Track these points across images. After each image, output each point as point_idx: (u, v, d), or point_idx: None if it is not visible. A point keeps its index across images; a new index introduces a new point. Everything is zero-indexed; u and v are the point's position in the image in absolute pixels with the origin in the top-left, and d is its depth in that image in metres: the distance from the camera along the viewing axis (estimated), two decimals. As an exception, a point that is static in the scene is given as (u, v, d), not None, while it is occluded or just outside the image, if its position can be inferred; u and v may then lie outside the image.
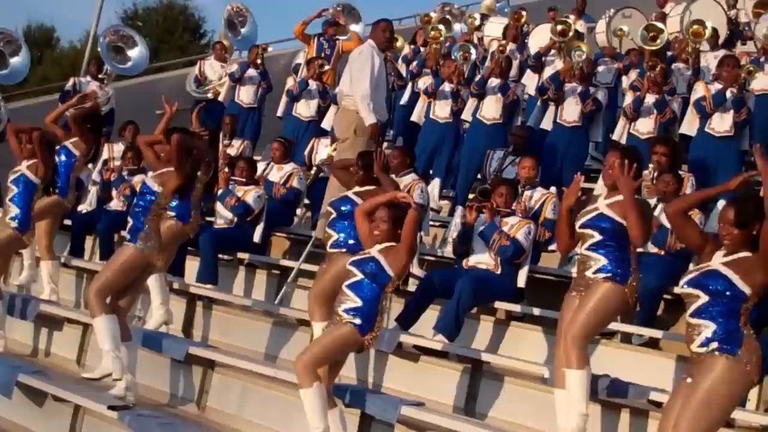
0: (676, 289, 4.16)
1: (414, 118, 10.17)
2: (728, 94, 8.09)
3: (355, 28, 12.64)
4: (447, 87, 9.60)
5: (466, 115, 9.55)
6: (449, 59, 9.98)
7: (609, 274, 4.88)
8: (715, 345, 3.99)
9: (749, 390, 4.41)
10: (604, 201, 5.04)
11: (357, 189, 6.31)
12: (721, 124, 8.11)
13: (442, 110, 9.56)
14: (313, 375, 4.95)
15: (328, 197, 7.15)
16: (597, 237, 4.95)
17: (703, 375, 3.97)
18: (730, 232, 4.11)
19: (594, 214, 5.00)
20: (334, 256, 6.19)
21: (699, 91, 8.41)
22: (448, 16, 12.53)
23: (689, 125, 8.52)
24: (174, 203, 6.41)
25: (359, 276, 5.07)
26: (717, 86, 8.28)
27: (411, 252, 5.17)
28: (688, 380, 4.06)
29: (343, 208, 6.25)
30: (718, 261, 4.13)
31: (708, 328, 4.01)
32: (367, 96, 7.32)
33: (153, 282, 6.86)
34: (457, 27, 12.48)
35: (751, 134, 8.31)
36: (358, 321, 5.01)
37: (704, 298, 4.04)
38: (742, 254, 4.10)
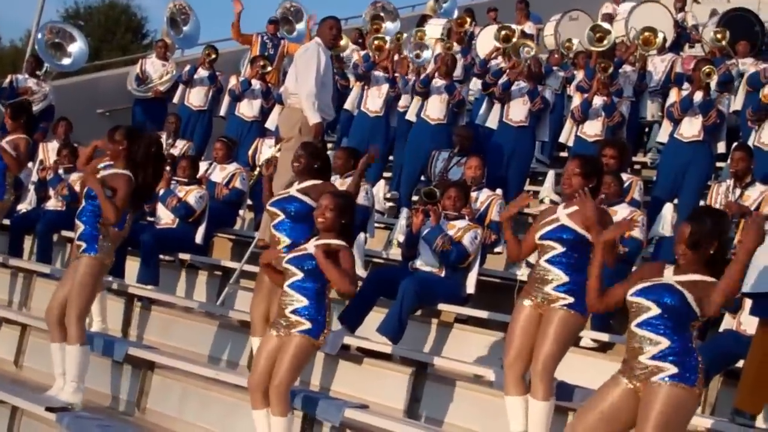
0: (628, 297, 4.08)
1: (347, 105, 10.21)
2: (696, 98, 8.16)
3: (301, 27, 12.67)
4: (380, 74, 9.63)
5: (411, 115, 9.63)
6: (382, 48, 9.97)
7: (569, 302, 4.78)
8: (669, 370, 3.90)
9: None
10: (564, 210, 4.97)
11: (300, 185, 6.00)
12: (690, 129, 8.20)
13: (373, 103, 9.60)
14: (288, 403, 4.95)
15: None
16: (558, 249, 4.88)
17: (661, 402, 3.87)
18: (685, 252, 4.01)
19: (555, 226, 4.93)
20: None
21: (672, 96, 8.51)
22: (381, 13, 12.53)
23: (664, 133, 8.59)
24: None
25: (299, 274, 5.02)
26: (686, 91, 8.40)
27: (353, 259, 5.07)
28: (628, 385, 3.99)
29: (290, 208, 5.94)
30: (670, 276, 4.05)
31: (659, 343, 3.94)
32: (313, 94, 7.26)
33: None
34: (390, 25, 12.51)
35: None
36: (308, 325, 4.95)
37: (656, 311, 3.97)
38: (697, 277, 3.99)
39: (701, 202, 8.18)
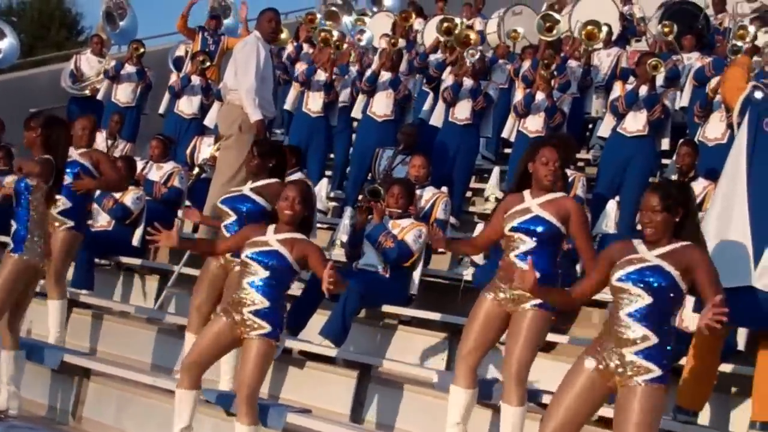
0: (615, 282, 4.00)
1: (287, 106, 10.22)
2: (642, 92, 8.23)
3: (228, 22, 12.65)
4: (321, 76, 9.67)
5: (356, 112, 9.66)
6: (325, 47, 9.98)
7: (538, 301, 4.69)
8: (653, 372, 3.91)
9: None
10: (534, 200, 4.84)
11: (253, 184, 5.95)
12: (634, 123, 8.23)
13: (314, 103, 9.62)
14: (256, 410, 4.92)
15: (212, 200, 7.04)
16: (529, 243, 4.77)
17: (643, 405, 3.89)
18: (652, 219, 3.97)
19: (527, 217, 4.81)
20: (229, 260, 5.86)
21: (616, 90, 8.52)
22: (333, 8, 12.56)
23: (606, 128, 8.62)
24: (68, 207, 6.36)
25: (263, 272, 4.89)
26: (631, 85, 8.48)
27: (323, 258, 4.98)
28: (599, 366, 3.99)
29: (242, 208, 5.86)
30: (652, 255, 3.97)
31: (648, 339, 3.92)
32: (253, 90, 7.16)
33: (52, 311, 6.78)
34: (346, 19, 12.55)
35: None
36: (267, 329, 4.88)
37: (646, 299, 3.92)
38: (674, 245, 3.97)
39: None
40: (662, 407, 4.00)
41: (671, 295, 3.95)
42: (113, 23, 12.60)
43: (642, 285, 3.94)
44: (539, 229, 4.76)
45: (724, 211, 4.85)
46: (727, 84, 5.33)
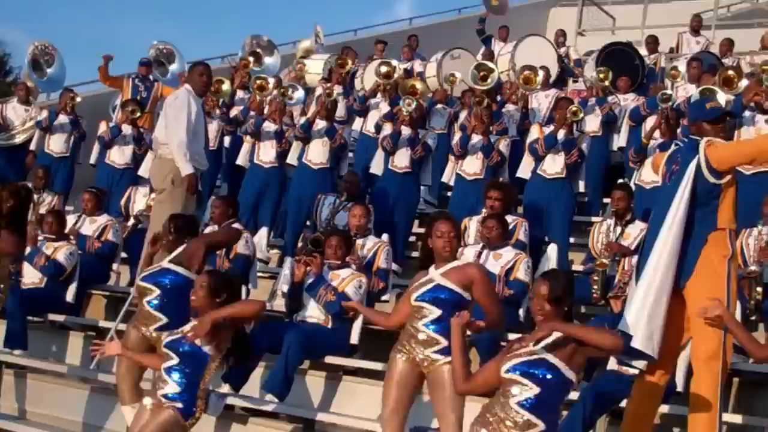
0: (503, 374, 4.25)
1: (240, 161, 10.39)
2: (560, 136, 8.69)
3: (173, 68, 12.80)
4: (271, 127, 9.87)
5: (291, 159, 9.81)
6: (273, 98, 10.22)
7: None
8: None
9: None
10: (437, 270, 5.11)
11: (171, 256, 6.01)
12: (553, 166, 8.68)
13: (266, 154, 9.80)
14: None
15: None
16: (435, 312, 5.02)
17: None
18: (542, 307, 4.26)
19: (430, 286, 5.07)
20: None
21: (534, 133, 9.01)
22: (258, 49, 12.76)
23: (526, 169, 9.03)
24: None
25: (175, 359, 5.12)
26: (549, 128, 8.90)
27: (213, 321, 5.08)
28: None
29: (164, 282, 5.90)
30: (539, 347, 4.21)
31: (536, 426, 4.12)
32: (184, 144, 7.33)
33: None
34: (269, 60, 12.74)
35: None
36: (179, 405, 5.07)
37: (534, 389, 4.13)
38: (557, 336, 4.22)
39: (572, 239, 8.72)
40: None
41: (560, 386, 4.20)
42: (40, 70, 12.58)
43: (529, 376, 4.18)
44: (442, 296, 5.03)
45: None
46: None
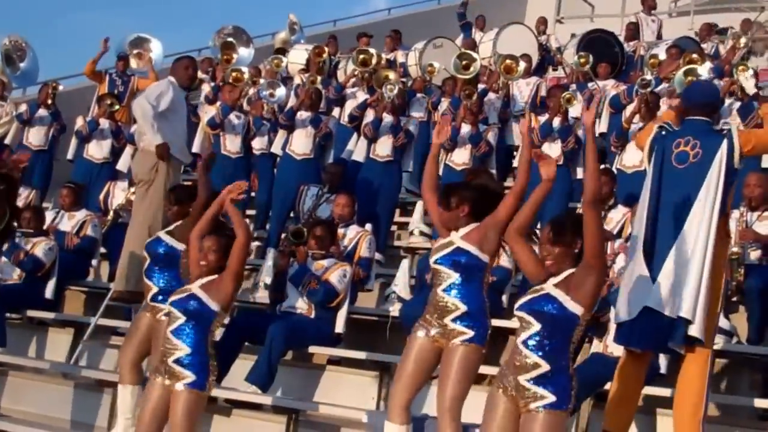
0: (515, 311, 4.37)
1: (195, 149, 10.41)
2: (555, 123, 8.75)
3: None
4: (234, 119, 9.87)
5: (276, 148, 9.84)
6: (231, 86, 10.15)
7: (469, 335, 4.89)
8: (547, 398, 4.17)
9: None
10: (458, 233, 5.04)
11: (168, 228, 6.35)
12: (550, 153, 8.60)
13: (233, 144, 9.83)
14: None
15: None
16: (453, 276, 4.96)
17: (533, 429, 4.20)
18: (550, 252, 4.34)
19: (450, 249, 5.00)
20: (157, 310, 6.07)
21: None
22: (230, 39, 12.66)
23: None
24: None
25: (182, 318, 5.13)
26: (544, 117, 8.99)
27: (237, 279, 5.22)
28: (507, 402, 4.29)
29: (159, 251, 6.21)
30: (550, 284, 4.34)
31: (540, 366, 4.21)
32: (150, 115, 7.26)
33: None
34: (244, 52, 12.68)
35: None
36: (191, 378, 5.05)
37: (536, 326, 4.24)
38: (567, 272, 4.32)
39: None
40: (559, 430, 4.26)
41: (563, 323, 4.27)
42: (13, 65, 12.55)
43: (532, 312, 4.29)
44: (463, 260, 4.96)
45: (636, 246, 5.25)
46: (639, 135, 5.81)
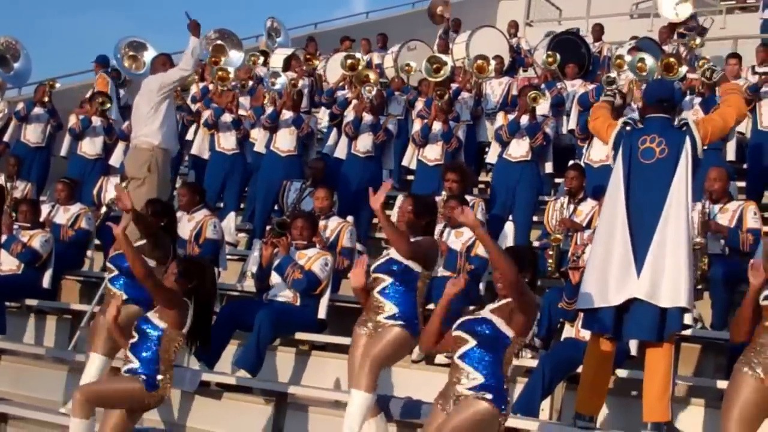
0: (452, 332, 4.49)
1: (194, 150, 10.40)
2: (523, 121, 8.82)
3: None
4: (228, 117, 9.86)
5: (259, 146, 9.87)
6: (226, 91, 10.21)
7: (400, 322, 5.15)
8: (486, 395, 4.29)
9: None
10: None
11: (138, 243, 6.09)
12: (518, 149, 8.89)
13: (227, 141, 9.81)
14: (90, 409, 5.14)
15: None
16: (387, 281, 5.22)
17: (459, 411, 4.29)
18: (498, 280, 4.48)
19: (385, 259, 5.30)
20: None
21: (499, 120, 9.19)
22: (219, 42, 12.56)
23: (493, 154, 9.26)
24: None
25: (136, 336, 5.20)
26: (512, 115, 9.04)
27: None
28: (443, 412, 4.38)
29: (124, 265, 6.00)
30: (487, 309, 4.48)
31: (475, 379, 4.31)
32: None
33: None
34: (236, 54, 12.63)
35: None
36: (143, 377, 5.12)
37: (472, 343, 4.37)
38: (505, 300, 4.44)
39: (535, 218, 8.83)
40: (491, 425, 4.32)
41: (495, 340, 4.37)
42: (6, 65, 12.43)
43: (468, 331, 4.42)
44: (395, 267, 5.21)
45: (608, 237, 5.27)
46: (597, 122, 5.79)
